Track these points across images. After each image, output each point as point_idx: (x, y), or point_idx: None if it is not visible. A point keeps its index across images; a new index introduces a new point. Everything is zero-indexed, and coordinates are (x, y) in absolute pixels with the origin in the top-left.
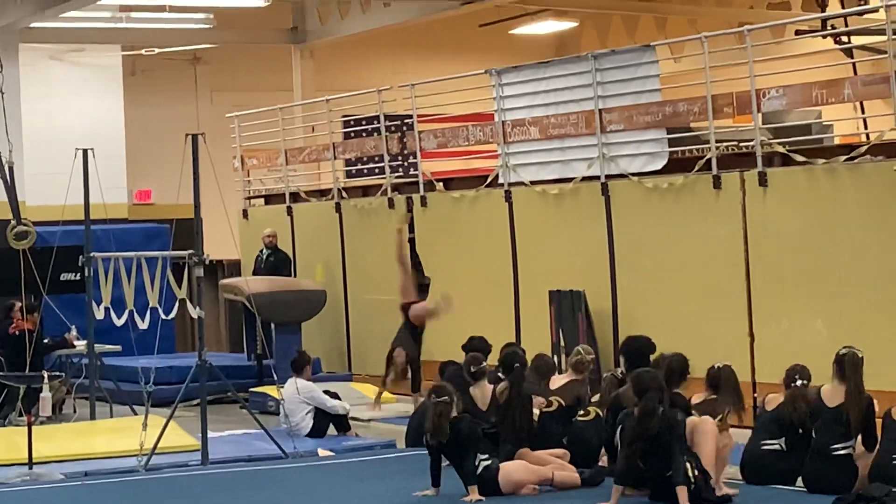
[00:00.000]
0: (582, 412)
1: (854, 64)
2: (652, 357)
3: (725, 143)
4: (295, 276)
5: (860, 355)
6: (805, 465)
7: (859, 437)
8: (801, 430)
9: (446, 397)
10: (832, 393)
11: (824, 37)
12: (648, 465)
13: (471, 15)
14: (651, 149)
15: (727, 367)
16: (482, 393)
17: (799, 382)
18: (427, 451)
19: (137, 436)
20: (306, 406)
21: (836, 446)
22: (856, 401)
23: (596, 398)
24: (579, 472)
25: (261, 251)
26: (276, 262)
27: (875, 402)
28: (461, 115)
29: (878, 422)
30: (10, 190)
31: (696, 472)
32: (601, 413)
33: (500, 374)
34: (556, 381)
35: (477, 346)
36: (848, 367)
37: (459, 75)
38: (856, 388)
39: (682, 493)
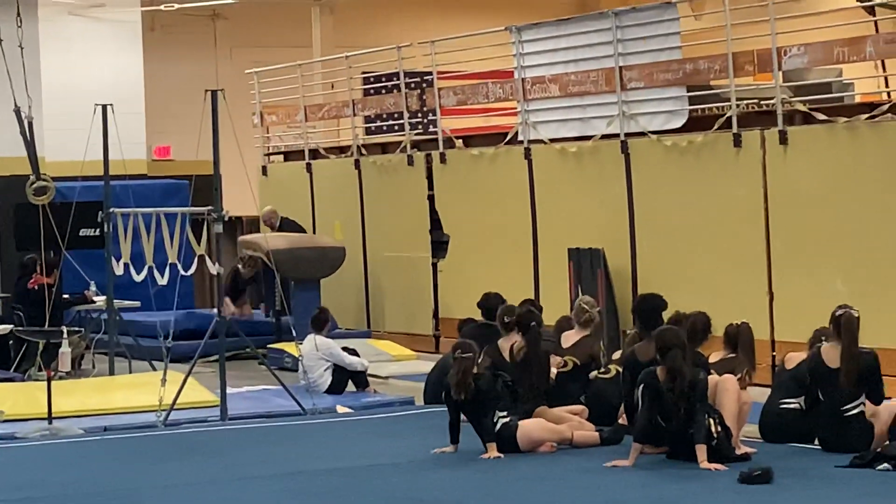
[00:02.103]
0: (602, 370)
1: (876, 22)
2: (665, 314)
3: (746, 101)
4: (314, 232)
5: (856, 315)
6: (820, 428)
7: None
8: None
9: (470, 354)
10: (831, 353)
11: None
12: (669, 423)
13: None
14: (671, 107)
15: (745, 325)
16: (510, 344)
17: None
18: (446, 408)
19: (156, 391)
20: (325, 363)
21: (846, 407)
22: (850, 361)
23: (617, 355)
24: (598, 430)
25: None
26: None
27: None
28: (481, 73)
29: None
30: (30, 145)
31: (719, 429)
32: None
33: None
34: (568, 337)
35: (493, 303)
36: (843, 327)
37: (479, 32)
38: (849, 348)
39: (701, 451)
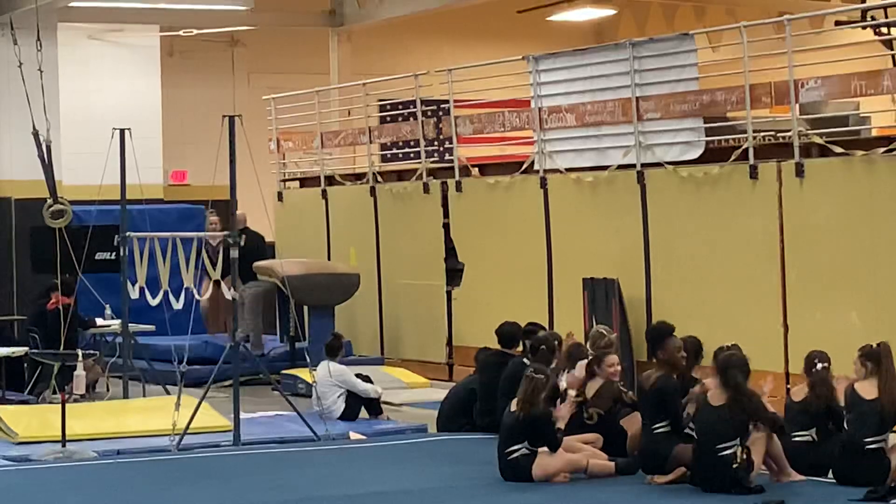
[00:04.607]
0: (587, 416)
1: (893, 56)
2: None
3: (762, 134)
4: (329, 258)
5: (890, 347)
6: (836, 459)
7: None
8: (831, 423)
9: (542, 376)
10: (867, 386)
11: (864, 28)
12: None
13: (509, 1)
14: (687, 138)
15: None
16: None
17: (819, 366)
18: (500, 427)
19: (170, 415)
20: (338, 389)
21: (868, 440)
22: (891, 393)
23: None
24: (613, 460)
25: None
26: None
27: None
28: (498, 101)
29: None
30: (47, 168)
31: (745, 457)
32: (602, 413)
33: (525, 360)
34: (583, 368)
35: (507, 330)
36: (883, 359)
37: (496, 61)
38: (891, 380)
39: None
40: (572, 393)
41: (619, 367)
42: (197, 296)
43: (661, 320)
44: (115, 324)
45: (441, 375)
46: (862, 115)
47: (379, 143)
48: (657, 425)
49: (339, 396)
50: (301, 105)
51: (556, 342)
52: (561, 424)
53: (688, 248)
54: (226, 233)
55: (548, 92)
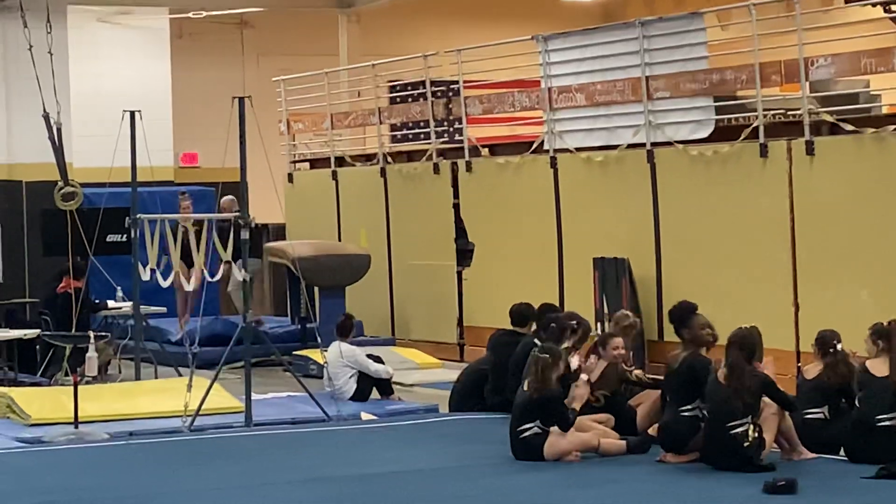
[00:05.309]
0: (594, 398)
1: None
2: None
3: (772, 112)
4: (339, 240)
5: None
6: (848, 436)
7: None
8: (844, 400)
9: (547, 355)
10: (879, 364)
11: (874, 5)
12: (712, 418)
13: None
14: (697, 117)
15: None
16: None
17: (839, 346)
18: (513, 406)
19: (182, 397)
20: (350, 369)
21: (880, 417)
22: None
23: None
24: (624, 439)
25: None
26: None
27: None
28: (507, 81)
29: None
30: (58, 151)
31: (756, 435)
32: (607, 394)
33: (535, 340)
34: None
35: (520, 311)
36: (894, 337)
37: (506, 41)
38: None
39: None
40: (584, 377)
41: (623, 350)
42: (209, 278)
43: (683, 299)
44: (127, 306)
45: (452, 356)
46: (872, 92)
47: (389, 123)
48: (684, 407)
49: (350, 377)
50: (311, 86)
51: (575, 322)
52: (577, 405)
53: (698, 226)
54: (235, 214)
55: (557, 72)
